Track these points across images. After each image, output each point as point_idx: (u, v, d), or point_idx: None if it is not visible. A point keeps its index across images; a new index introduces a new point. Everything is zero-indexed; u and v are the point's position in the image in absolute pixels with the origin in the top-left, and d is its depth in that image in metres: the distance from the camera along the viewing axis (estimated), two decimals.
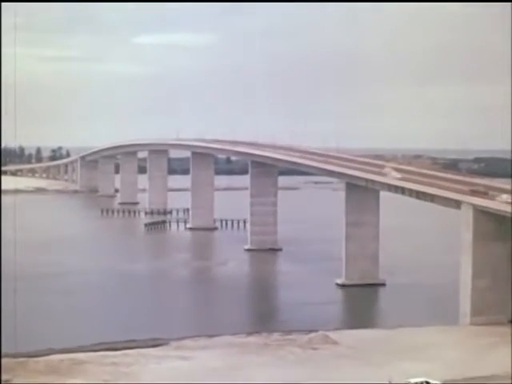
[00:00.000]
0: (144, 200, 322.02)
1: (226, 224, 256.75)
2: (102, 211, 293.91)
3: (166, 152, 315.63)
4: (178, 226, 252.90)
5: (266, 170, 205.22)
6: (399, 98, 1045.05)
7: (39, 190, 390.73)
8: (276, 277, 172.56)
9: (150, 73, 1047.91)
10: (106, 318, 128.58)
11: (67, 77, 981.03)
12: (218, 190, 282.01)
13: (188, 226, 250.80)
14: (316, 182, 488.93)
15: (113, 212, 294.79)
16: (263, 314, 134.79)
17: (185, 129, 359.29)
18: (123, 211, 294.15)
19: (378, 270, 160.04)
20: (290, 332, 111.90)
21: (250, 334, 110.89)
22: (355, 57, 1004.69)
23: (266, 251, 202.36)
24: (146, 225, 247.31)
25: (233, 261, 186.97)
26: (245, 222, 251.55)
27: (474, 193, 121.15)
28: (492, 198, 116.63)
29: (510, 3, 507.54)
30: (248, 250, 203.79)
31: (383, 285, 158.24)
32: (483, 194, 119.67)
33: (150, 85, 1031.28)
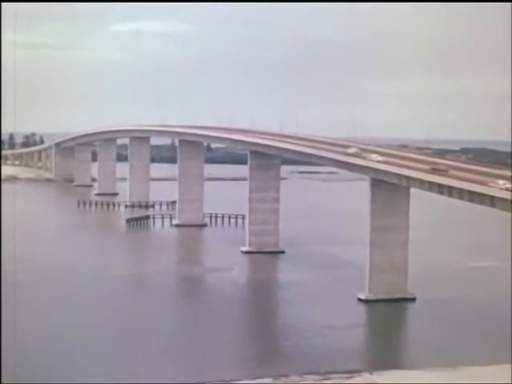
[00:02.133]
0: (123, 190, 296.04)
1: (216, 220, 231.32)
2: (79, 203, 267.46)
3: (148, 139, 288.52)
4: (162, 222, 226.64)
5: (267, 161, 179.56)
6: (384, 87, 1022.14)
7: (10, 179, 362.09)
8: (283, 289, 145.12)
9: (128, 60, 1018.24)
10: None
11: (42, 64, 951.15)
12: None
13: (174, 222, 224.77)
14: (301, 172, 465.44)
15: (90, 204, 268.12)
16: (274, 342, 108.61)
17: (168, 116, 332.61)
18: (101, 204, 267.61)
19: (407, 281, 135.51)
20: (326, 374, 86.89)
21: (272, 377, 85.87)
22: (345, 46, 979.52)
23: (266, 254, 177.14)
24: (127, 220, 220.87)
25: (228, 266, 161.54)
26: (237, 217, 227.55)
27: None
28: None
29: (510, 3, 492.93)
30: (246, 252, 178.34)
31: (413, 299, 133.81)
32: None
33: (127, 72, 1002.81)
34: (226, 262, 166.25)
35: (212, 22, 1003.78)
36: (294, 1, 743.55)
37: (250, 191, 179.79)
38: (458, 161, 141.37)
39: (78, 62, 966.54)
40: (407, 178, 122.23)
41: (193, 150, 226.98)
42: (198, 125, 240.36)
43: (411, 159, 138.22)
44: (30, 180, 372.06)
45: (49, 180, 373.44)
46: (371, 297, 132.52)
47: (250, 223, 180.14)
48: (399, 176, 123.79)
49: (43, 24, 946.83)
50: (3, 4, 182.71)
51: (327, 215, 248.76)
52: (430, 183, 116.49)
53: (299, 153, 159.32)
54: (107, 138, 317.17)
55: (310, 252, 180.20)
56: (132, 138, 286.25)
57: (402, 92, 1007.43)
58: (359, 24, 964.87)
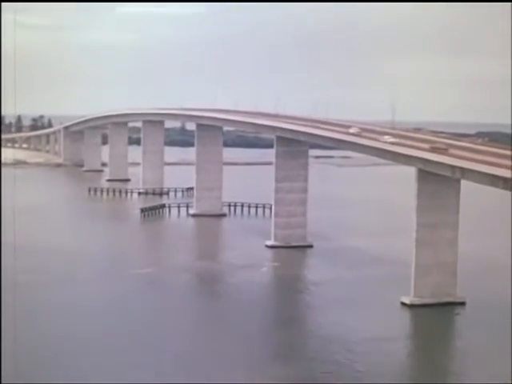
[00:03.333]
0: (135, 176, 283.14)
1: (235, 209, 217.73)
2: (89, 190, 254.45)
3: (162, 123, 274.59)
4: (179, 211, 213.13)
5: (295, 148, 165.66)
6: (398, 70, 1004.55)
7: (18, 163, 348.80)
8: (315, 290, 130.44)
9: (137, 42, 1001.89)
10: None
11: (52, 45, 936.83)
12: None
13: (191, 211, 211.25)
14: (317, 157, 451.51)
15: (101, 191, 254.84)
16: (309, 367, 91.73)
17: (181, 98, 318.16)
18: (113, 191, 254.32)
19: (456, 283, 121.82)
20: None
21: None
22: (356, 29, 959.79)
23: (293, 248, 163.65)
24: (142, 210, 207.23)
25: (253, 263, 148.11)
26: (257, 206, 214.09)
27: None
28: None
29: (510, 3, 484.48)
30: (271, 246, 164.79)
31: (462, 304, 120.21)
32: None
33: (136, 54, 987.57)
34: (249, 257, 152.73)
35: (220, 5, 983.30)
36: None
37: (277, 180, 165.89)
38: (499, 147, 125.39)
39: (87, 44, 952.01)
40: (462, 169, 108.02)
41: (211, 134, 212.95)
42: (216, 108, 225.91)
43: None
44: (38, 165, 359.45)
45: (58, 165, 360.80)
46: (417, 301, 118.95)
47: (276, 215, 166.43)
48: (453, 168, 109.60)
49: (46, 5, 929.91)
50: None
51: (353, 203, 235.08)
52: (494, 177, 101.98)
53: (332, 139, 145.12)
54: (119, 121, 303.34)
55: (341, 246, 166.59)
56: (145, 122, 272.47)
57: (414, 75, 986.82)
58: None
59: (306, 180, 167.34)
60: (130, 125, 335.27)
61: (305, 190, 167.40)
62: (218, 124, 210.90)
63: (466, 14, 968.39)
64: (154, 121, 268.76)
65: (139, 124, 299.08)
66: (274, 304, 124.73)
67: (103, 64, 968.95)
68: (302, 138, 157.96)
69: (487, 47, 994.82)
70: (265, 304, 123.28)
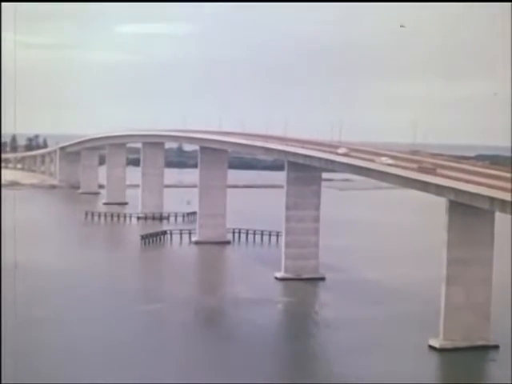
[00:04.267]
0: (133, 199, 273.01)
1: (240, 236, 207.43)
2: (86, 214, 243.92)
3: (162, 144, 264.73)
4: (181, 238, 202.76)
5: (307, 174, 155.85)
6: (395, 90, 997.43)
7: (12, 184, 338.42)
8: (332, 332, 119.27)
9: (135, 61, 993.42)
10: None
11: (48, 63, 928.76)
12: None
13: (194, 238, 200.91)
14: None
15: (99, 216, 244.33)
16: None
17: (178, 119, 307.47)
18: (111, 215, 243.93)
19: (490, 325, 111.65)
20: None
21: None
22: (354, 50, 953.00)
23: (305, 281, 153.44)
24: (142, 237, 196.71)
25: (265, 297, 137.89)
26: (262, 233, 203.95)
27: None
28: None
29: (510, 3, 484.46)
30: (281, 279, 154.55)
31: (496, 347, 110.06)
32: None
33: (134, 73, 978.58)
34: (260, 291, 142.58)
35: (216, 23, 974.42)
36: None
37: (287, 208, 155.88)
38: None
39: (85, 63, 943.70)
40: (503, 202, 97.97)
41: (216, 158, 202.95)
42: (221, 130, 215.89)
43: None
44: (33, 186, 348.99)
45: (53, 186, 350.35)
46: (447, 345, 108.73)
47: (287, 245, 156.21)
48: (492, 200, 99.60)
49: (45, 24, 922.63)
50: (3, 4, 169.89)
51: (363, 229, 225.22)
52: None
53: (352, 166, 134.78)
54: (118, 142, 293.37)
55: (355, 279, 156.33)
56: (145, 143, 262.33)
57: (407, 96, 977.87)
58: (359, 26, 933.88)
59: (318, 208, 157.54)
60: (128, 145, 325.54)
61: (317, 219, 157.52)
62: (225, 147, 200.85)
63: (468, 34, 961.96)
64: (154, 142, 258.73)
65: (136, 144, 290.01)
66: (290, 349, 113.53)
67: (101, 83, 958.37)
68: (316, 163, 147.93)
69: (488, 68, 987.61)
70: (280, 349, 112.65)
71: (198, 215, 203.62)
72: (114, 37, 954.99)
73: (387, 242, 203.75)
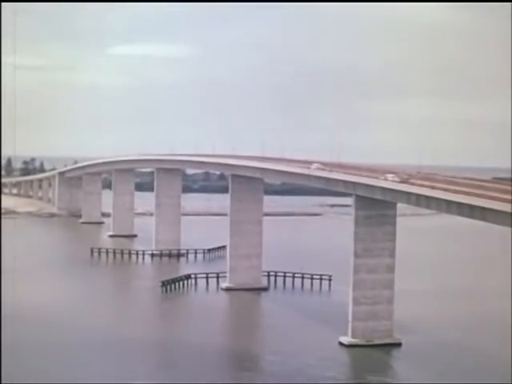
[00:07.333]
0: (142, 230, 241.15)
1: (276, 280, 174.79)
2: (92, 251, 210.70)
3: (180, 171, 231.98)
4: (207, 283, 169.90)
5: (380, 212, 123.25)
6: (397, 110, 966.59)
7: (7, 212, 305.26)
8: None
9: (129, 84, 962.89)
10: None
11: (44, 85, 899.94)
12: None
13: (224, 284, 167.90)
14: (332, 205, 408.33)
15: (107, 253, 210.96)
16: None
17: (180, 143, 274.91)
18: (121, 252, 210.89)
19: None
20: None
21: None
22: (348, 70, 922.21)
23: (378, 348, 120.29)
24: (163, 283, 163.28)
25: (341, 378, 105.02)
26: (303, 277, 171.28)
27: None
28: None
29: (510, 3, 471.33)
30: (348, 345, 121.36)
31: None
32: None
33: (128, 95, 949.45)
34: (329, 367, 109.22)
35: (215, 46, 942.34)
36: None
37: (356, 256, 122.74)
38: None
39: (81, 85, 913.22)
40: None
41: (250, 187, 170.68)
42: (254, 155, 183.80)
43: None
44: (29, 214, 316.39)
45: (51, 215, 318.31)
46: None
47: (355, 302, 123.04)
48: None
49: (42, 45, 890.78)
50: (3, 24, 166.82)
51: (432, 265, 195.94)
52: None
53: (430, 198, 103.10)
54: (127, 167, 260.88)
55: (439, 343, 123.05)
56: (158, 170, 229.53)
57: (407, 116, 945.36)
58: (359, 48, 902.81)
59: (393, 255, 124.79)
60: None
61: (392, 269, 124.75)
62: (257, 175, 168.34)
63: (476, 52, 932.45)
64: (169, 168, 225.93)
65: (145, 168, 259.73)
66: None
67: (99, 105, 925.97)
68: (389, 197, 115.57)
69: (491, 88, 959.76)
70: None
71: (228, 255, 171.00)
72: (108, 58, 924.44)
73: (473, 281, 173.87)
